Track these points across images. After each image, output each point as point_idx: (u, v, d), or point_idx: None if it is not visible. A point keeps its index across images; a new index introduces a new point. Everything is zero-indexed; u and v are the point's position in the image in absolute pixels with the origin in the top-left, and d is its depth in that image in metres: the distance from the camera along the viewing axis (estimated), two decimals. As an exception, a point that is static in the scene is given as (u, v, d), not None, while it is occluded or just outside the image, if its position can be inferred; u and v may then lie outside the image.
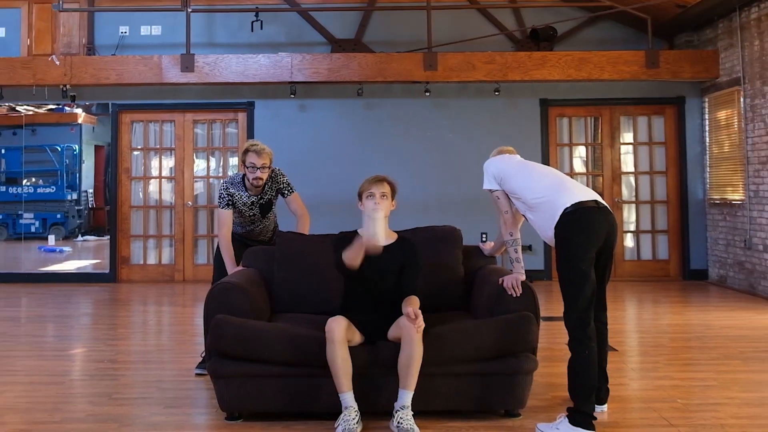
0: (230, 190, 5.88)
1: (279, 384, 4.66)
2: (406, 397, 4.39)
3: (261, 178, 5.78)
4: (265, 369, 4.63)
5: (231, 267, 5.73)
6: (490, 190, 5.00)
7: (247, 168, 5.76)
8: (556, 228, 4.56)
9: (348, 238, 4.84)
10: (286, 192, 5.99)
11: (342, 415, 4.38)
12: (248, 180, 5.81)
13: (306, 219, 5.98)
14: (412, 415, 4.37)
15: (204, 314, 4.94)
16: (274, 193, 6.00)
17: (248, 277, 5.36)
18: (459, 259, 5.55)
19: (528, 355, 4.72)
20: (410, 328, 4.39)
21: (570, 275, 4.49)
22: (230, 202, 5.87)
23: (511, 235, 4.96)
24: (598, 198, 4.65)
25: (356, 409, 4.40)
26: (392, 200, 4.99)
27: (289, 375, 4.65)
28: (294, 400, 4.66)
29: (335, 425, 4.40)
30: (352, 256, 4.68)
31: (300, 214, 5.99)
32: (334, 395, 4.45)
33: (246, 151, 5.79)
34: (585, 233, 4.49)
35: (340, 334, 4.43)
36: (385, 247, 4.84)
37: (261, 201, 5.96)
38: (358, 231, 4.91)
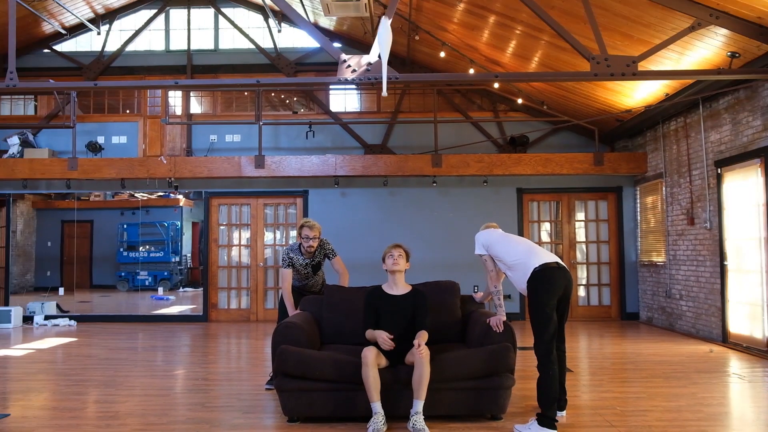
0: (290, 255, 5.94)
1: (326, 396, 4.70)
2: (418, 405, 4.42)
3: (313, 246, 5.85)
4: (316, 385, 4.68)
5: (291, 311, 5.76)
6: (480, 254, 5.05)
7: (303, 238, 5.84)
8: (528, 282, 4.61)
9: (375, 293, 4.94)
10: (331, 255, 6.02)
11: (372, 418, 4.43)
12: (303, 247, 5.88)
13: (346, 276, 6.00)
14: (423, 418, 4.40)
15: (272, 345, 4.99)
16: (322, 257, 6.04)
17: (304, 318, 5.40)
18: (457, 305, 5.56)
19: (508, 375, 4.73)
20: (419, 355, 4.47)
21: (538, 317, 4.53)
22: (290, 264, 5.93)
23: (495, 288, 5.00)
24: (559, 260, 4.71)
25: (383, 414, 4.44)
26: (406, 261, 5.07)
27: (334, 389, 4.69)
28: (337, 408, 4.69)
29: (367, 426, 4.43)
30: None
31: (341, 272, 6.00)
32: (367, 404, 4.49)
33: (302, 226, 5.87)
34: (549, 286, 4.53)
35: (372, 359, 4.49)
36: (402, 296, 4.93)
37: (313, 262, 6.01)
38: (382, 286, 5.00)
